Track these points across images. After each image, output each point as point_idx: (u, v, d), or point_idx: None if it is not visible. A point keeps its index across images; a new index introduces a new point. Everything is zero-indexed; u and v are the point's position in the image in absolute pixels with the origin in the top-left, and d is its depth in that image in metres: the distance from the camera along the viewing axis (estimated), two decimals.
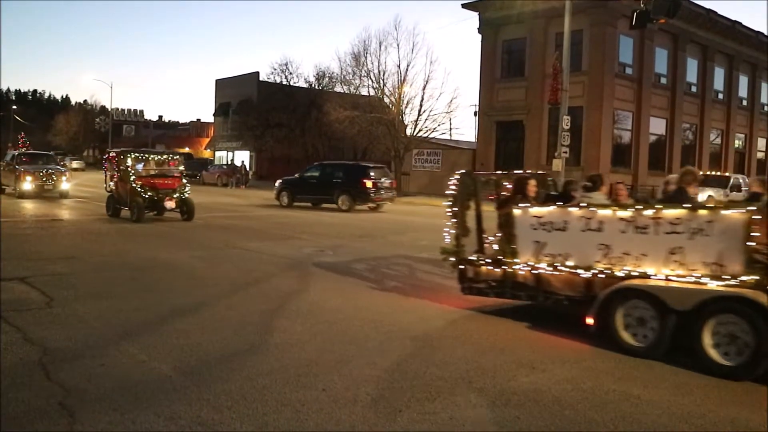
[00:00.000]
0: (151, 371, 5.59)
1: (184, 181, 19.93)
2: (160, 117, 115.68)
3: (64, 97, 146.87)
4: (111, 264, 11.35)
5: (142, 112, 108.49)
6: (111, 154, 21.11)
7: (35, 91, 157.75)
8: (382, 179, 26.58)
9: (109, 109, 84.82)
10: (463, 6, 39.40)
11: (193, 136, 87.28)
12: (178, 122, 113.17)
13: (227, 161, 57.93)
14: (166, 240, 14.91)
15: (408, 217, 23.63)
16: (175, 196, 19.05)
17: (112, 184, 19.88)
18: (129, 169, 18.94)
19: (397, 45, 38.42)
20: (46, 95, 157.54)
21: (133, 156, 19.69)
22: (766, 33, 42.62)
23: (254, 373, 5.58)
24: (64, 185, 27.08)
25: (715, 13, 38.97)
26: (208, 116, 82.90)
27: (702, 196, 24.80)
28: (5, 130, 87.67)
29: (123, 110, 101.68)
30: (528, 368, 5.98)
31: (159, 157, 21.30)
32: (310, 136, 51.48)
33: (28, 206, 22.40)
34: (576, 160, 33.14)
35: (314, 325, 7.36)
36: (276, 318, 7.63)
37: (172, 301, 8.36)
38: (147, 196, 18.56)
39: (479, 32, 38.94)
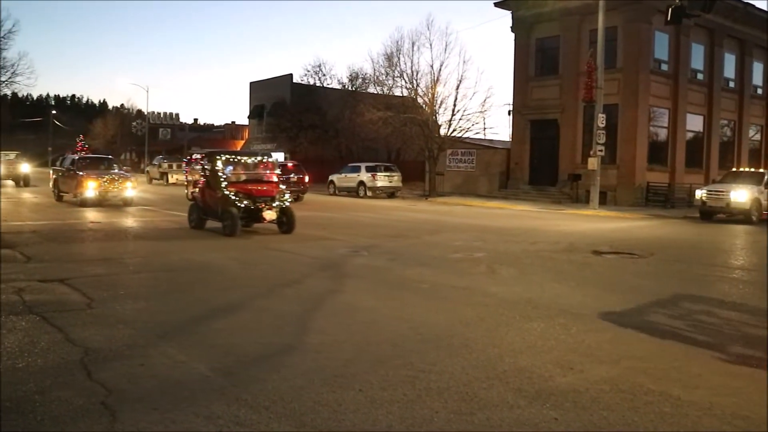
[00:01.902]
0: (190, 371, 5.65)
1: (283, 187, 17.37)
2: (195, 120, 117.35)
3: (102, 101, 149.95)
4: (149, 265, 11.54)
5: (177, 115, 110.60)
6: (194, 156, 18.57)
7: (73, 96, 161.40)
8: (289, 176, 29.96)
9: (146, 113, 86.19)
10: (496, 5, 39.19)
11: (228, 138, 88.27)
12: (213, 125, 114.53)
13: None
14: (201, 242, 15.06)
15: (442, 217, 23.67)
16: (274, 205, 16.27)
17: (196, 190, 17.46)
18: (220, 174, 16.39)
19: (430, 45, 38.25)
20: (84, 100, 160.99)
21: (223, 158, 16.98)
22: None
23: (291, 373, 5.61)
24: (129, 192, 24.85)
25: (752, 6, 38.14)
26: (242, 118, 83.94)
27: (735, 194, 24.49)
28: (45, 135, 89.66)
29: (159, 114, 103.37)
30: (565, 368, 5.93)
31: (252, 159, 18.08)
32: (343, 137, 51.68)
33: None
34: (612, 159, 32.75)
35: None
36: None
37: (210, 302, 8.44)
38: (242, 206, 15.88)
39: (512, 31, 38.64)
